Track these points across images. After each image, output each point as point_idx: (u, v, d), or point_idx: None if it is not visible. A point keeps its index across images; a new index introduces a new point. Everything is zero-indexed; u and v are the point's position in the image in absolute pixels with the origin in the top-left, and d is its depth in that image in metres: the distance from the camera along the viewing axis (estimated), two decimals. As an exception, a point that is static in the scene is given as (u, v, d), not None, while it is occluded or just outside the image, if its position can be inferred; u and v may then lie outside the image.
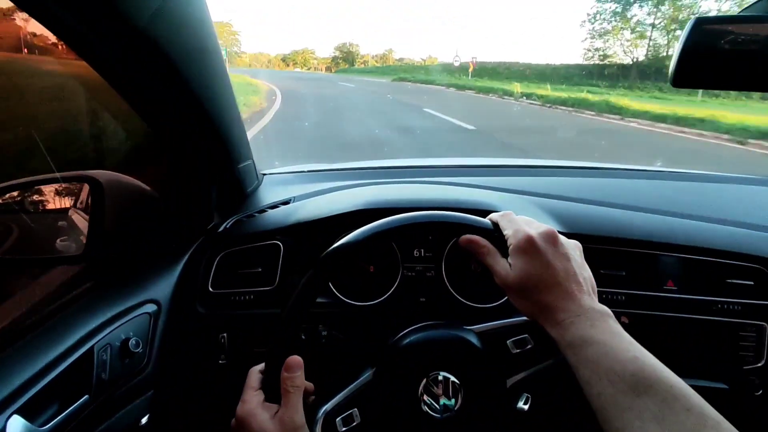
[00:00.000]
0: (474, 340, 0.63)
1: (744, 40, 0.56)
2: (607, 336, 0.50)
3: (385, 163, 1.28)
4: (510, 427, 0.64)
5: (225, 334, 0.82)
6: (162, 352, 0.75)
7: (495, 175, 1.16)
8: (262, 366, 0.61)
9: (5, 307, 0.74)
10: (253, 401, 0.57)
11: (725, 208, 1.00)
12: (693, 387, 0.81)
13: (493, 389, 0.62)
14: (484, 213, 0.68)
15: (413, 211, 0.63)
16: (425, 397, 0.61)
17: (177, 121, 0.69)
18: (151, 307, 0.75)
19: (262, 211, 0.95)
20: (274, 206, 0.97)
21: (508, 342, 0.63)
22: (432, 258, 0.88)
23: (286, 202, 1.00)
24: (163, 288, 0.78)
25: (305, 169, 1.23)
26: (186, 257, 0.84)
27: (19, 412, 0.51)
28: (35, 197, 0.82)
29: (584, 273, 0.57)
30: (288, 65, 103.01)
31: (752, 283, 0.84)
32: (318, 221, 0.87)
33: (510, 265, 0.57)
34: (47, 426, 0.53)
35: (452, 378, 0.62)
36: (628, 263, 0.86)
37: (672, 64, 0.58)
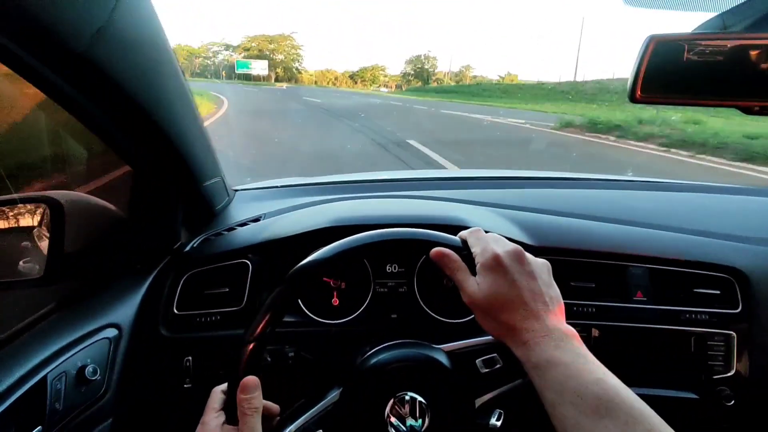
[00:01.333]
0: (443, 359, 0.63)
1: (702, 56, 0.57)
2: (572, 357, 0.49)
3: (357, 176, 1.28)
4: None
5: (190, 357, 0.80)
6: (122, 378, 0.73)
7: (466, 187, 1.16)
8: (225, 386, 0.59)
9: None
10: (212, 423, 0.55)
11: (693, 217, 1.01)
12: (663, 397, 0.82)
13: (461, 409, 0.62)
14: (453, 228, 0.68)
15: (382, 227, 0.62)
16: (392, 419, 0.60)
17: (135, 141, 0.67)
18: (111, 332, 0.73)
19: (231, 228, 0.94)
20: (243, 224, 0.96)
21: (477, 361, 0.63)
22: (404, 273, 0.87)
23: (256, 219, 0.98)
24: (125, 311, 0.76)
25: (278, 185, 1.22)
26: (151, 278, 0.82)
27: None
28: (-5, 218, 0.80)
29: (551, 292, 0.56)
30: (356, 83, 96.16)
31: (719, 292, 0.84)
32: (286, 239, 0.86)
33: (477, 283, 0.56)
34: None
35: (419, 398, 0.61)
36: (598, 275, 0.87)
37: (629, 82, 0.59)
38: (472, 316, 0.83)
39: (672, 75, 0.57)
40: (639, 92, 0.57)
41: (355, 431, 0.61)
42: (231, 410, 0.55)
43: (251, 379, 0.55)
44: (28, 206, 0.77)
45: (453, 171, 1.30)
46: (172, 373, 0.80)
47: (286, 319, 0.83)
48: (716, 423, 0.83)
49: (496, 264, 0.55)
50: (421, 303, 0.85)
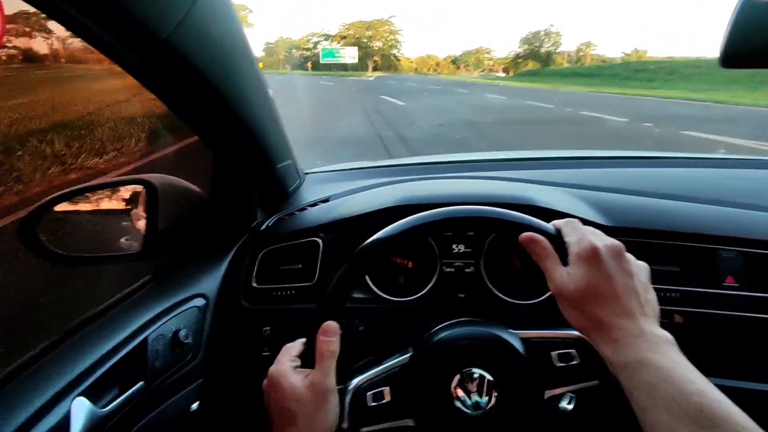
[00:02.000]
0: (517, 344, 0.62)
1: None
2: (669, 362, 0.45)
3: (424, 159, 1.28)
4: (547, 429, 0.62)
5: (268, 328, 0.86)
6: (210, 344, 0.80)
7: (535, 168, 1.12)
8: (302, 339, 0.63)
9: (73, 300, 0.82)
10: (286, 363, 0.58)
11: None
12: (754, 390, 0.75)
13: (530, 394, 0.61)
14: (523, 207, 0.66)
15: (450, 206, 0.62)
16: (458, 392, 0.61)
17: (215, 126, 0.73)
18: (199, 301, 0.80)
19: (303, 209, 0.99)
20: (313, 204, 1.00)
21: (552, 353, 0.62)
22: (471, 254, 0.87)
23: (325, 200, 1.02)
24: (210, 283, 0.83)
25: (346, 167, 1.25)
26: (231, 254, 0.89)
27: (83, 394, 0.57)
28: (100, 200, 0.90)
29: (648, 295, 0.53)
30: (458, 68, 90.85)
31: None
32: (355, 218, 0.89)
33: (569, 273, 0.53)
34: (107, 408, 0.59)
35: (488, 376, 0.61)
36: (683, 258, 0.81)
37: (721, 45, 0.54)
38: (540, 298, 0.82)
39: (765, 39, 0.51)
40: (730, 55, 0.53)
41: (420, 396, 0.62)
42: (308, 356, 0.58)
43: (332, 324, 0.57)
44: (128, 188, 0.86)
45: (523, 152, 1.24)
46: (252, 342, 0.86)
47: (355, 295, 0.87)
48: None
49: (593, 255, 0.52)
50: (489, 284, 0.85)
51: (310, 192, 1.09)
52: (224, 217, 0.92)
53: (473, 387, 0.61)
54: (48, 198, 0.73)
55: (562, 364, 0.61)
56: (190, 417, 0.76)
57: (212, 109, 0.68)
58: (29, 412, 0.51)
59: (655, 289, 0.78)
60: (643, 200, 0.91)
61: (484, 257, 0.86)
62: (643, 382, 0.45)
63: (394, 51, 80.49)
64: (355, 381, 0.63)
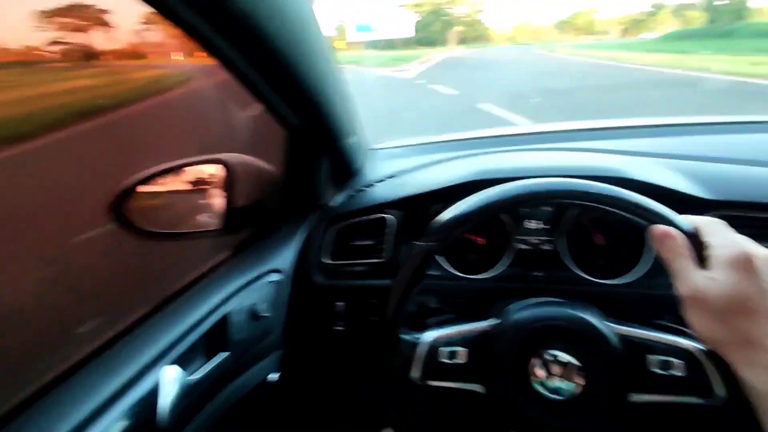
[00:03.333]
0: (612, 336, 0.58)
1: None
2: None
3: (493, 132, 1.21)
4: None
5: (342, 303, 0.87)
6: (287, 317, 0.82)
7: (624, 137, 1.02)
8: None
9: (159, 275, 0.87)
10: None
11: None
12: None
13: (616, 394, 0.57)
14: (617, 181, 0.60)
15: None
16: (539, 372, 0.58)
17: (287, 103, 0.72)
18: (276, 276, 0.82)
19: (371, 185, 0.97)
20: (381, 180, 0.99)
21: (649, 356, 0.57)
22: (548, 231, 0.81)
23: (392, 176, 1.00)
24: (284, 259, 0.85)
25: (413, 143, 1.22)
26: (304, 230, 0.90)
27: (174, 362, 0.60)
28: (182, 179, 0.95)
29: None
30: (564, 34, 73.82)
31: None
32: (427, 194, 0.86)
33: (712, 278, 0.46)
34: (195, 376, 0.62)
35: (577, 363, 0.57)
36: None
37: None
38: (626, 276, 0.75)
39: None
40: None
41: (498, 368, 0.60)
42: None
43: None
44: (206, 167, 0.90)
45: (608, 121, 1.09)
46: (327, 317, 0.88)
47: (429, 272, 0.85)
48: None
49: (747, 263, 0.45)
50: (570, 262, 0.79)
51: (377, 168, 1.08)
52: (296, 194, 0.93)
53: (558, 371, 0.58)
54: (134, 178, 0.77)
55: (659, 371, 0.56)
56: (269, 387, 0.79)
57: (282, 84, 0.68)
58: (124, 379, 0.55)
59: None
60: (744, 169, 0.80)
61: (564, 234, 0.80)
62: None
63: (481, 18, 61.49)
64: (432, 334, 0.63)
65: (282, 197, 0.92)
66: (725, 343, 0.45)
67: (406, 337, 0.65)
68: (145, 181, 0.78)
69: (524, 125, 1.14)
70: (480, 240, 0.86)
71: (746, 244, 0.47)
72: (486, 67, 18.19)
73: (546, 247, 0.82)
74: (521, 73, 14.92)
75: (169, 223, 0.89)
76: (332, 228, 0.91)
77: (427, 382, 0.63)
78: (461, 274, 0.83)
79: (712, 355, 0.51)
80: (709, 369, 0.55)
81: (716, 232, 0.49)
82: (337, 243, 0.90)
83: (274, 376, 0.80)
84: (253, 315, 0.75)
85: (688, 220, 0.51)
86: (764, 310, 0.43)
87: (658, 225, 0.50)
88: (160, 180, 0.84)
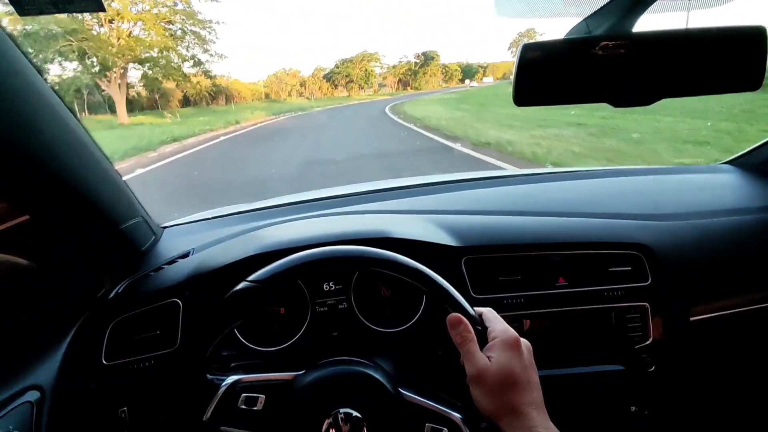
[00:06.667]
0: (384, 379, 0.64)
1: (567, 60, 0.63)
2: None
3: (286, 199, 1.28)
4: None
5: (125, 408, 0.77)
6: None
7: (388, 198, 1.19)
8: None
9: None
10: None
11: (604, 201, 1.10)
12: (594, 373, 0.87)
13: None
14: (381, 241, 0.68)
15: (306, 248, 0.66)
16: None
17: (29, 190, 0.64)
18: (33, 395, 0.69)
19: (159, 268, 0.91)
20: (172, 261, 0.94)
21: (427, 425, 0.61)
22: (341, 290, 0.88)
23: (185, 255, 0.96)
24: (46, 371, 0.72)
25: (208, 216, 1.20)
26: (72, 333, 0.78)
27: None
28: None
29: (539, 391, 0.59)
30: (335, 87, 65.36)
31: (630, 268, 0.92)
32: (214, 272, 0.84)
33: (490, 357, 0.58)
34: None
35: (357, 414, 0.62)
36: (523, 267, 0.91)
37: (512, 87, 0.64)
38: (408, 324, 0.86)
39: (545, 77, 0.62)
40: (520, 95, 0.63)
41: (291, 424, 0.62)
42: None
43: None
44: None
45: (378, 183, 1.29)
46: (107, 428, 0.76)
47: (225, 353, 0.82)
48: (641, 389, 0.90)
49: (516, 345, 0.58)
50: (360, 317, 0.86)
51: (168, 248, 1.01)
52: (60, 291, 0.81)
53: (346, 428, 0.61)
54: None
55: None
56: None
57: (24, 175, 0.60)
58: None
59: (503, 298, 0.88)
60: (485, 218, 1.01)
61: (353, 291, 0.87)
62: None
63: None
64: (233, 378, 0.62)
65: (44, 296, 0.79)
66: (499, 414, 0.56)
67: (211, 377, 0.63)
68: None
69: (311, 192, 1.25)
70: (281, 310, 0.87)
71: (512, 330, 0.61)
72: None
73: (342, 306, 0.88)
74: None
75: None
76: (111, 323, 0.81)
77: (220, 427, 0.61)
78: (260, 348, 0.83)
79: (455, 424, 0.59)
80: None
81: (495, 319, 0.63)
82: (118, 340, 0.80)
83: None
84: None
85: (474, 309, 0.64)
86: (525, 382, 0.56)
87: (454, 314, 0.62)
88: None
